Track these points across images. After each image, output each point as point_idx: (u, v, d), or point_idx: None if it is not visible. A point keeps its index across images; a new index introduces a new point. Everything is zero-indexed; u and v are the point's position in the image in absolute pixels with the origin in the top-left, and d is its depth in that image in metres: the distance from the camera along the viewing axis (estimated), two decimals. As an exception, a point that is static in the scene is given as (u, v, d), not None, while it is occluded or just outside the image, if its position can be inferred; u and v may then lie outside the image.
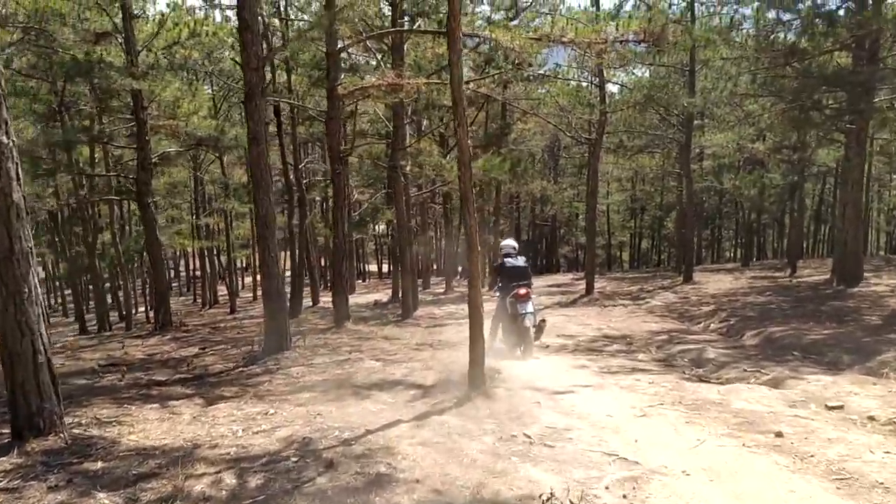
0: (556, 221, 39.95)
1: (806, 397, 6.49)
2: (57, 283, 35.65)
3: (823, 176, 34.43)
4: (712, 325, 13.01)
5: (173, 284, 42.76)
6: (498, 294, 9.84)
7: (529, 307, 9.22)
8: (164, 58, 14.35)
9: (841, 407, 6.09)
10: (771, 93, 15.65)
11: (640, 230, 42.48)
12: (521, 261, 9.92)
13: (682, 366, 8.77)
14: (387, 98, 12.85)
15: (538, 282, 28.74)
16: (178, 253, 37.34)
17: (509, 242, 10.34)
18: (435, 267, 36.61)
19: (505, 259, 9.96)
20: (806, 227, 37.08)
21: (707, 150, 26.88)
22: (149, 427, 6.01)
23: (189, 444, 5.31)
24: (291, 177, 17.67)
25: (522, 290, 9.27)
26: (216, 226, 28.37)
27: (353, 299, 26.06)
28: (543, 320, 9.78)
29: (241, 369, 9.10)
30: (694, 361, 8.92)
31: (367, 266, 45.64)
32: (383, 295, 26.07)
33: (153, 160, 15.21)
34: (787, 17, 15.31)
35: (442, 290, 25.55)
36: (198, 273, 35.29)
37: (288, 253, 21.83)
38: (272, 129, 22.12)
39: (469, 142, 6.30)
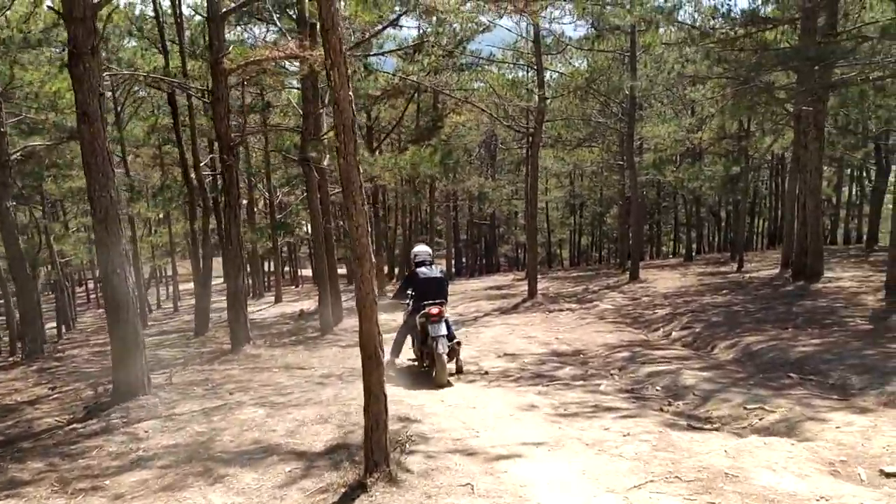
0: (496, 220, 38.00)
1: (846, 455, 4.47)
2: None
3: (758, 166, 33.44)
4: (674, 332, 11.08)
5: (92, 297, 39.03)
6: (408, 306, 8.19)
7: (443, 329, 7.55)
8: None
9: (905, 474, 4.08)
10: (725, 70, 13.86)
11: (579, 227, 40.92)
12: (436, 271, 8.16)
13: (655, 398, 6.69)
14: (289, 76, 10.45)
15: (477, 283, 26.75)
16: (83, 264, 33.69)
17: (423, 248, 8.39)
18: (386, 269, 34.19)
19: (418, 269, 7.97)
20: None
21: (647, 143, 25.35)
22: None
23: None
24: (192, 176, 15.03)
25: (435, 310, 7.60)
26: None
27: (279, 309, 23.51)
28: (458, 343, 7.98)
29: (74, 426, 6.58)
30: (669, 390, 6.86)
31: (300, 271, 42.77)
32: (313, 302, 23.52)
33: (11, 157, 12.34)
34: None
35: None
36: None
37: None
38: (168, 121, 19.42)
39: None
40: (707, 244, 38.05)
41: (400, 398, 6.67)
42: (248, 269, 32.52)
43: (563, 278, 24.95)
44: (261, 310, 23.71)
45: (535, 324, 13.03)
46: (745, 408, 5.78)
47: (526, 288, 18.64)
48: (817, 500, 3.73)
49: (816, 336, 8.83)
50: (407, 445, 4.89)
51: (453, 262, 32.82)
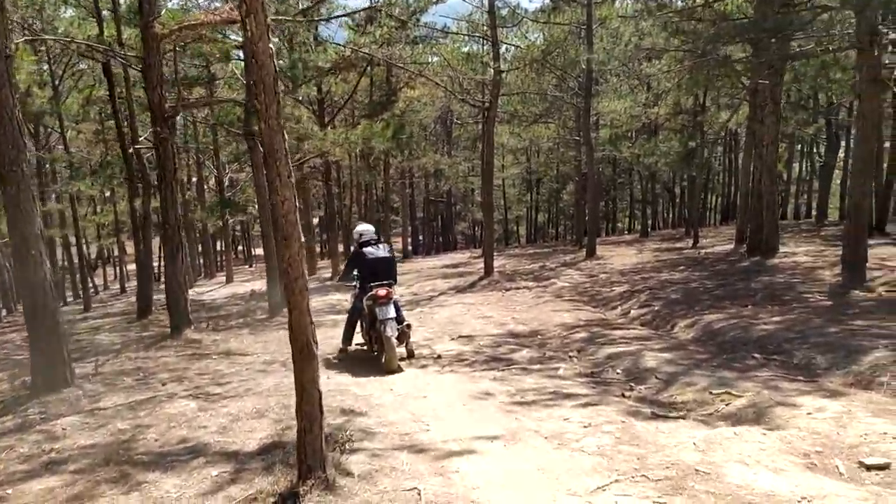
0: (452, 197, 37.47)
1: (822, 445, 4.14)
2: None
3: (713, 142, 33.59)
4: (633, 310, 10.78)
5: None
6: (355, 288, 7.77)
7: (391, 311, 7.12)
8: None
9: (886, 467, 3.76)
10: (683, 41, 13.52)
11: (536, 203, 40.66)
12: (383, 250, 7.67)
13: (616, 382, 6.32)
14: (232, 47, 9.72)
15: (434, 262, 26.24)
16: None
17: (367, 227, 7.91)
18: (320, 249, 33.39)
19: (364, 248, 7.46)
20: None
21: (604, 119, 25.08)
22: None
23: None
24: (131, 151, 14.09)
25: (382, 291, 7.17)
26: (63, 213, 23.98)
27: (230, 289, 22.67)
28: (408, 325, 7.54)
29: (-16, 424, 5.92)
30: (630, 374, 6.50)
31: (253, 250, 41.65)
32: (265, 283, 22.74)
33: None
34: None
35: (329, 276, 22.52)
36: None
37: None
38: (103, 92, 18.32)
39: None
40: (662, 220, 38.25)
41: (346, 387, 6.18)
42: (200, 249, 31.47)
43: (520, 255, 24.64)
44: (211, 290, 22.85)
45: (492, 303, 12.62)
46: (710, 392, 5.43)
47: (482, 265, 18.24)
48: (798, 502, 3.36)
49: (777, 313, 8.59)
50: (347, 445, 4.39)
51: (409, 240, 32.27)
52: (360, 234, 7.70)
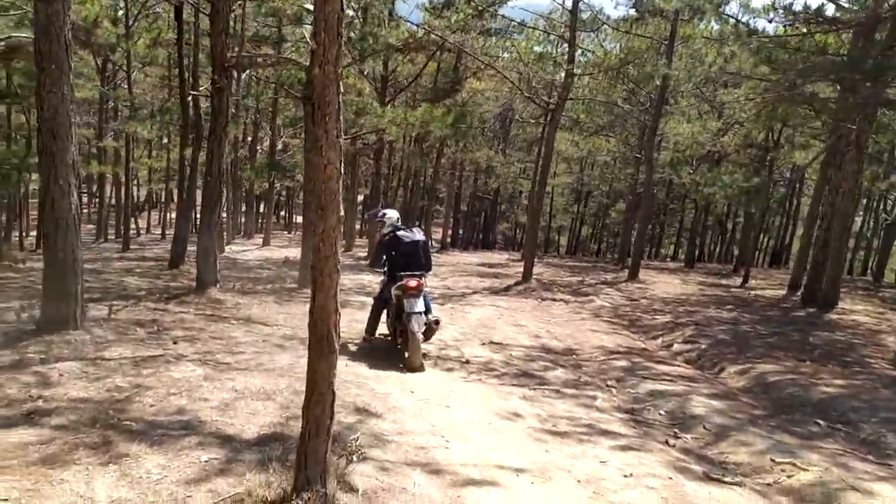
0: (499, 196, 36.75)
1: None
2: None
3: (774, 182, 32.21)
4: (676, 344, 10.02)
5: (83, 210, 37.65)
6: (384, 275, 7.17)
7: (419, 304, 6.46)
8: None
9: None
10: (772, 70, 12.59)
11: (582, 216, 39.67)
12: (417, 234, 7.01)
13: (659, 424, 5.64)
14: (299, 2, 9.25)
15: (471, 258, 25.58)
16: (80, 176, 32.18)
17: (392, 213, 7.22)
18: (360, 227, 33.02)
19: (398, 231, 6.82)
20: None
21: (666, 142, 24.12)
22: None
23: None
24: (189, 99, 13.76)
25: (413, 282, 6.51)
26: (118, 151, 24.02)
27: (265, 253, 22.39)
28: (437, 321, 6.84)
29: (-19, 356, 5.51)
30: (675, 417, 5.82)
31: (295, 217, 41.51)
32: (300, 251, 22.43)
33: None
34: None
35: (364, 255, 22.08)
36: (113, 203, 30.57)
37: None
38: (171, 35, 18.06)
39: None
40: (708, 253, 36.94)
41: (363, 380, 5.63)
42: (243, 208, 31.34)
43: (559, 266, 23.84)
44: (246, 251, 22.60)
45: (526, 311, 11.96)
46: (772, 459, 4.72)
47: (520, 270, 17.55)
48: None
49: (839, 375, 7.78)
50: (355, 457, 3.81)
51: (450, 231, 31.70)
52: (384, 217, 7.11)
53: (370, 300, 10.68)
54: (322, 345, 3.04)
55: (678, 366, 8.16)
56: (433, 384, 5.89)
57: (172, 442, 3.93)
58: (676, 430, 5.45)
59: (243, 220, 31.16)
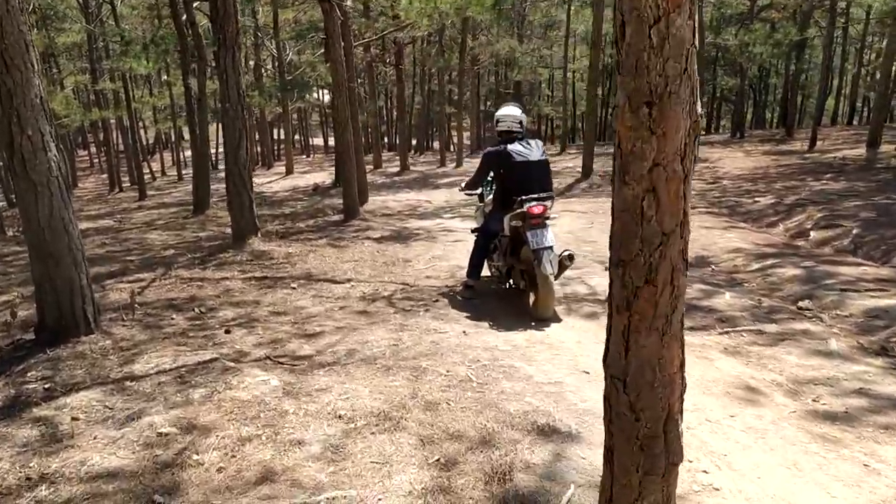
0: (521, 89, 33.84)
1: None
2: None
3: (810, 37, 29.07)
4: (813, 232, 8.05)
5: (95, 161, 35.47)
6: (486, 206, 5.42)
7: (548, 237, 4.64)
8: None
9: None
10: None
11: (605, 98, 36.71)
12: (536, 149, 4.89)
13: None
14: None
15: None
16: (85, 126, 29.69)
17: (512, 111, 5.08)
18: (386, 140, 30.61)
19: (507, 144, 4.82)
20: (780, 95, 32.06)
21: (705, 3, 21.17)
22: None
23: None
24: (184, 18, 11.42)
25: (538, 209, 4.67)
26: (117, 93, 21.68)
27: (290, 181, 20.40)
28: (570, 255, 4.82)
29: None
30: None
31: (311, 140, 39.11)
32: (327, 175, 20.44)
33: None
34: None
35: (396, 171, 20.01)
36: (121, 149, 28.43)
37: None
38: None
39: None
40: (747, 120, 34.20)
41: (503, 356, 3.78)
42: (257, 137, 29.05)
43: (600, 154, 21.61)
44: (270, 181, 20.64)
45: (608, 212, 9.99)
46: None
47: (568, 165, 15.51)
48: None
49: None
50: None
51: (477, 133, 29.26)
52: (501, 119, 5.04)
53: (438, 228, 8.83)
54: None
55: (860, 263, 6.21)
56: (592, 344, 4.03)
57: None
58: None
59: (259, 149, 28.98)
